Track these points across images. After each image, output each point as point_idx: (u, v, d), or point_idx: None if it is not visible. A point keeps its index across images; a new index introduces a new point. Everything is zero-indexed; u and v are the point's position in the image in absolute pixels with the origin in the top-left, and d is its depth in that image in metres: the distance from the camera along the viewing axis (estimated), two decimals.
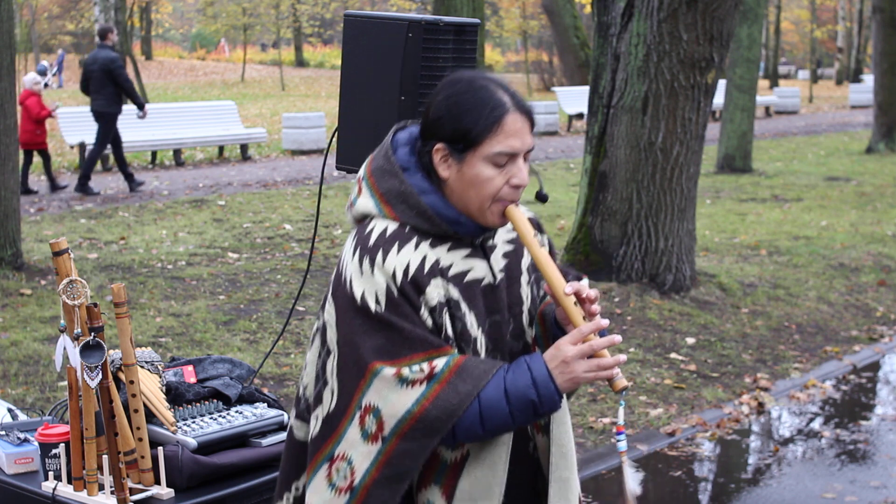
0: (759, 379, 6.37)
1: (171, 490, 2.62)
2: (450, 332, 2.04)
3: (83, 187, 12.90)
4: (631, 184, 7.58)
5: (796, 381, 6.47)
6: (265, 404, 2.95)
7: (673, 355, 6.65)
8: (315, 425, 2.09)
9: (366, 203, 2.10)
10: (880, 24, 17.86)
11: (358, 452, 2.01)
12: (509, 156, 2.03)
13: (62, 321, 2.53)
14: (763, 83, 34.90)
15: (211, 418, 2.82)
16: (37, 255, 8.56)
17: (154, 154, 16.49)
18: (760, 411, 6.00)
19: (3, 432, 2.87)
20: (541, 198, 2.22)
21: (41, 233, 9.92)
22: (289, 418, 2.93)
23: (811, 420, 5.97)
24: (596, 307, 2.03)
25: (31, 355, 6.10)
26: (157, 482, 2.62)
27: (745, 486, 5.07)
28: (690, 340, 6.94)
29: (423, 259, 2.03)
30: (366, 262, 2.02)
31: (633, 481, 2.04)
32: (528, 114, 2.06)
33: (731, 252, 9.59)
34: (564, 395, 2.02)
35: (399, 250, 2.02)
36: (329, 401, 2.06)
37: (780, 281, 8.53)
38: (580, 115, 21.88)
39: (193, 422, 2.78)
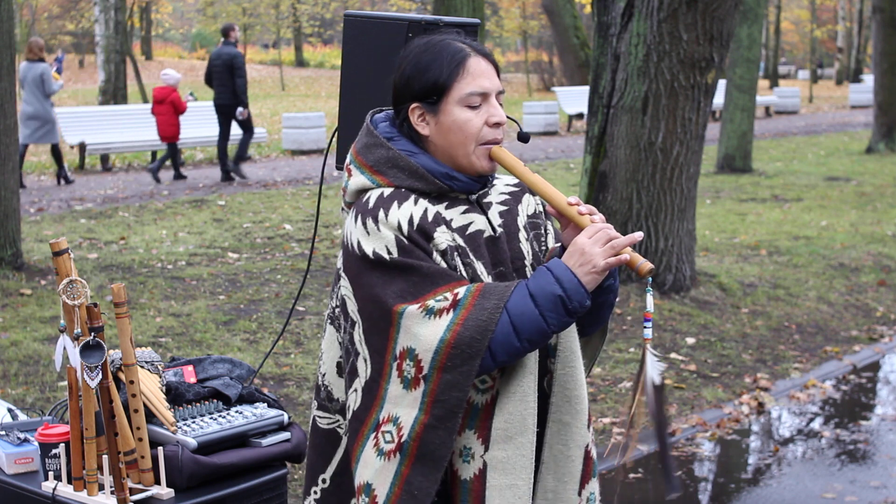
0: (759, 379, 6.37)
1: (171, 490, 2.62)
2: (463, 273, 2.07)
3: (237, 172, 14.37)
4: (631, 184, 7.58)
5: (796, 381, 6.47)
6: (265, 404, 2.96)
7: (673, 355, 6.65)
8: (355, 399, 2.09)
9: (358, 179, 2.14)
10: (880, 24, 17.86)
11: (403, 406, 2.01)
12: (481, 95, 2.10)
13: (62, 321, 2.53)
14: (763, 83, 34.91)
15: (211, 418, 2.82)
16: (37, 255, 8.56)
17: (154, 154, 16.48)
18: (760, 411, 6.00)
19: (3, 432, 2.87)
20: (522, 138, 2.26)
21: (41, 233, 9.92)
22: (287, 418, 2.94)
23: (811, 420, 5.97)
24: (601, 216, 2.06)
25: (31, 355, 6.10)
26: (157, 482, 2.62)
27: (745, 486, 5.07)
28: (690, 340, 6.94)
29: (425, 211, 2.07)
30: (369, 221, 2.05)
31: (654, 370, 2.05)
32: (488, 57, 2.14)
33: (731, 252, 9.59)
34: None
35: (400, 206, 2.06)
36: (364, 369, 2.07)
37: (780, 281, 8.53)
38: (580, 115, 21.88)
39: (193, 422, 2.79)
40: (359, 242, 2.05)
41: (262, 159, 17.25)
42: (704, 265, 8.73)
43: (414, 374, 1.99)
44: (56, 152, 13.85)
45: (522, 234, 2.21)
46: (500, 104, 2.14)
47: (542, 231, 2.28)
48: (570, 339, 2.16)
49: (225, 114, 14.11)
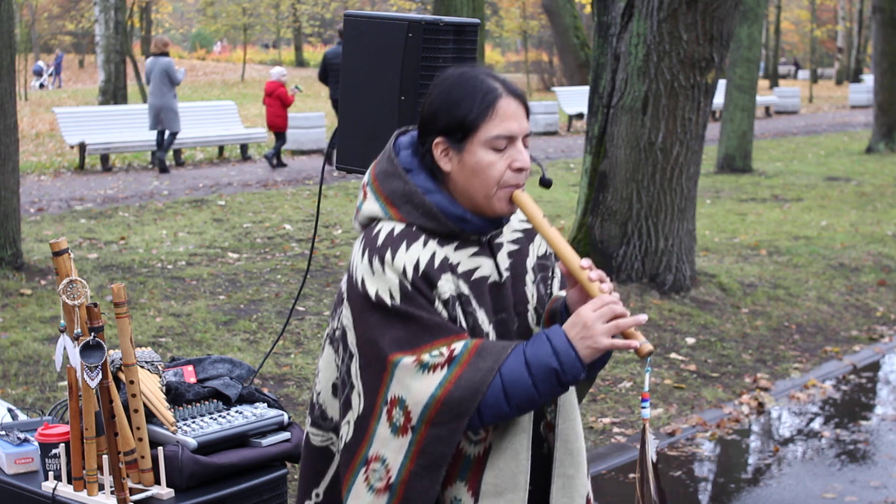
0: (759, 379, 6.37)
1: (171, 490, 2.62)
2: (463, 324, 2.05)
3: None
4: (631, 184, 7.58)
5: (796, 381, 6.47)
6: (265, 404, 2.96)
7: (673, 355, 6.65)
8: (347, 431, 2.10)
9: (371, 207, 2.11)
10: (880, 24, 17.86)
11: (390, 449, 2.01)
12: (508, 139, 2.05)
13: (62, 321, 2.53)
14: (763, 83, 34.90)
15: (211, 418, 2.82)
16: (37, 255, 8.56)
17: (154, 154, 16.48)
18: (760, 411, 6.00)
19: (3, 432, 2.87)
20: (544, 183, 2.23)
21: (41, 233, 9.92)
22: (287, 418, 2.94)
23: (811, 420, 5.97)
24: (609, 286, 2.03)
25: (31, 355, 6.10)
26: (157, 482, 2.62)
27: (745, 486, 5.07)
28: (690, 340, 6.94)
29: (433, 255, 2.04)
30: (376, 261, 2.03)
31: (652, 449, 2.05)
32: (520, 98, 2.09)
33: (731, 252, 9.58)
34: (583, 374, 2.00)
35: (408, 248, 2.03)
36: (357, 403, 2.07)
37: (780, 281, 8.53)
38: (580, 115, 21.87)
39: (193, 422, 2.78)
40: (363, 280, 2.03)
41: (262, 159, 17.25)
42: (704, 265, 8.73)
43: (402, 423, 1.99)
44: (170, 140, 15.02)
45: (529, 277, 2.19)
46: (527, 146, 2.09)
47: (550, 274, 2.25)
48: (571, 392, 2.17)
49: None
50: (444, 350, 1.98)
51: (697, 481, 5.11)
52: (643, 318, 1.98)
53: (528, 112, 2.10)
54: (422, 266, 2.02)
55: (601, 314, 1.96)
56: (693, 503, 4.90)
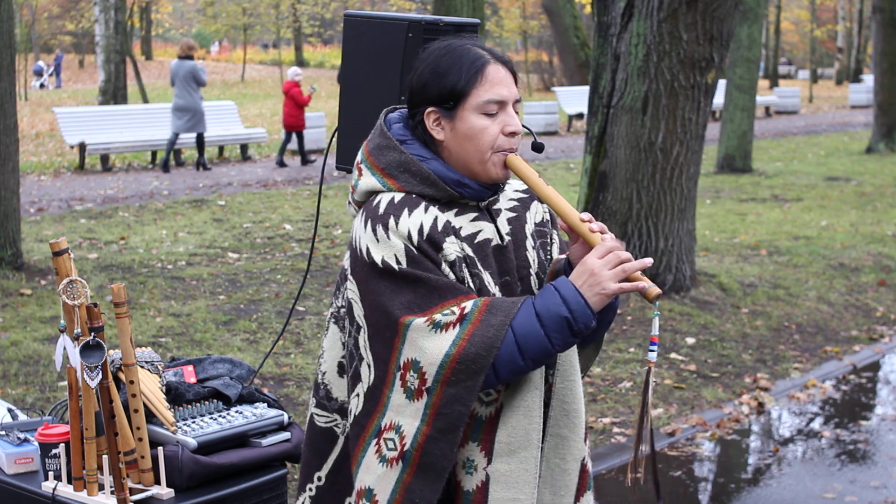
0: (759, 379, 6.37)
1: (171, 490, 2.62)
2: (471, 285, 2.06)
3: None
4: (631, 184, 7.58)
5: (796, 381, 6.47)
6: (265, 404, 2.96)
7: (673, 355, 6.65)
8: (357, 403, 2.09)
9: (368, 181, 2.13)
10: (880, 24, 17.86)
11: (406, 415, 2.00)
12: (498, 104, 2.08)
13: (62, 321, 2.53)
14: (763, 83, 34.91)
15: (211, 418, 2.82)
16: (37, 255, 8.56)
17: (154, 154, 16.49)
18: (760, 411, 6.00)
19: (3, 432, 2.87)
20: (536, 148, 2.25)
21: (41, 233, 9.92)
22: (287, 418, 2.94)
23: (811, 420, 5.97)
24: (612, 236, 2.05)
25: (31, 355, 6.10)
26: (157, 482, 2.62)
27: (745, 486, 5.07)
28: (690, 340, 6.94)
29: (435, 220, 2.06)
30: (379, 228, 2.04)
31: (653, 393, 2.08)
32: (507, 65, 2.13)
33: (731, 252, 9.58)
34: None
35: (410, 214, 2.05)
36: (367, 374, 2.07)
37: (780, 281, 8.53)
38: (580, 115, 21.88)
39: (193, 422, 2.78)
40: (367, 249, 2.04)
41: (262, 159, 17.25)
42: (704, 265, 8.73)
43: (417, 386, 1.99)
44: (201, 141, 15.35)
45: (529, 242, 2.20)
46: (517, 112, 2.12)
47: (549, 240, 2.27)
48: (570, 352, 2.17)
49: None
50: (455, 309, 1.99)
51: (697, 481, 5.11)
52: (648, 261, 2.00)
53: (516, 79, 2.13)
54: (426, 230, 2.03)
55: (607, 261, 1.98)
56: (693, 503, 4.90)
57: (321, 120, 18.09)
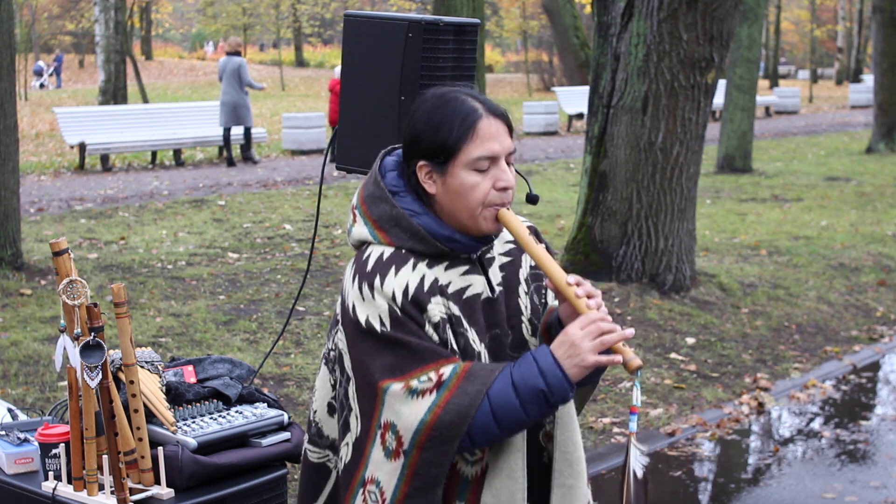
0: (759, 379, 6.37)
1: (171, 490, 2.62)
2: (454, 346, 2.06)
3: None
4: (631, 184, 7.58)
5: (796, 381, 6.47)
6: (265, 404, 2.95)
7: (673, 355, 6.65)
8: (346, 452, 2.12)
9: (360, 230, 2.13)
10: (880, 24, 17.86)
11: (384, 472, 2.03)
12: (490, 159, 2.05)
13: (62, 321, 2.53)
14: (763, 83, 34.90)
15: (211, 418, 2.82)
16: (37, 255, 8.56)
17: (154, 154, 16.49)
18: (760, 411, 6.00)
19: (3, 432, 2.87)
20: (531, 200, 2.25)
21: (41, 233, 9.91)
22: (287, 418, 2.94)
23: (811, 420, 5.97)
24: (598, 301, 2.03)
25: (31, 355, 6.10)
26: (157, 482, 2.62)
27: (745, 486, 5.07)
28: (690, 340, 6.94)
29: (422, 279, 2.05)
30: (365, 287, 2.04)
31: (637, 463, 2.04)
32: (502, 117, 2.09)
33: (731, 252, 9.58)
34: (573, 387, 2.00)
35: (397, 273, 2.04)
36: (355, 425, 2.10)
37: (780, 281, 8.53)
38: (580, 115, 21.88)
39: (193, 422, 2.78)
40: (354, 307, 2.05)
41: (262, 159, 17.25)
42: (704, 265, 8.73)
43: (395, 447, 2.01)
44: (248, 135, 15.90)
45: (522, 288, 2.19)
46: (511, 163, 2.09)
47: (544, 283, 2.25)
48: (569, 404, 2.16)
49: None
50: (433, 375, 1.99)
51: (697, 481, 5.12)
52: (630, 332, 1.98)
53: (510, 130, 2.09)
54: (411, 291, 2.03)
55: (588, 332, 1.97)
56: (693, 503, 4.90)
57: (321, 120, 18.09)
